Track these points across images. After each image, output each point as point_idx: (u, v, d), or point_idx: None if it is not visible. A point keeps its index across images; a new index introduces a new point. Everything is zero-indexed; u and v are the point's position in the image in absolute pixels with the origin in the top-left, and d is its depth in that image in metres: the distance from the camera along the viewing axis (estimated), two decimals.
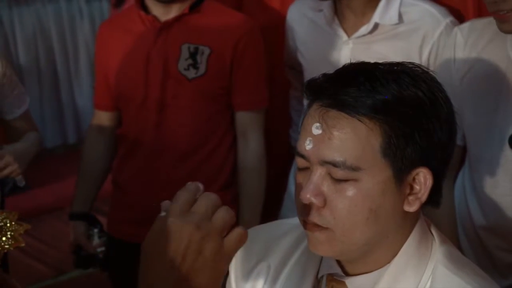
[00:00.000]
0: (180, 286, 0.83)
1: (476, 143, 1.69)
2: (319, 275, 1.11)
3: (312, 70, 1.03)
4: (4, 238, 1.34)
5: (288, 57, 2.20)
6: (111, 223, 2.22)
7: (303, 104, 2.28)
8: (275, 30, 2.24)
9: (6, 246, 1.33)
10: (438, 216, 1.70)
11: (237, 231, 0.86)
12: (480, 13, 1.93)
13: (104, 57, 2.12)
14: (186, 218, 0.84)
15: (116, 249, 2.18)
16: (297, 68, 2.19)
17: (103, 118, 2.19)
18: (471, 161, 1.73)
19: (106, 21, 2.29)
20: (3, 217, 1.40)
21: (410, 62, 1.05)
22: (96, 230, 2.18)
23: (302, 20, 2.08)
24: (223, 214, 0.86)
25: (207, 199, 0.86)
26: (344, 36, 1.95)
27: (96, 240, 2.17)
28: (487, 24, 1.67)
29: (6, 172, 1.87)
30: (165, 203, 0.89)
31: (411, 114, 0.99)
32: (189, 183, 0.89)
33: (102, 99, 2.18)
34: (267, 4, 2.35)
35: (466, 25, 1.73)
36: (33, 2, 5.18)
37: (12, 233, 1.42)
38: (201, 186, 0.88)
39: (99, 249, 2.17)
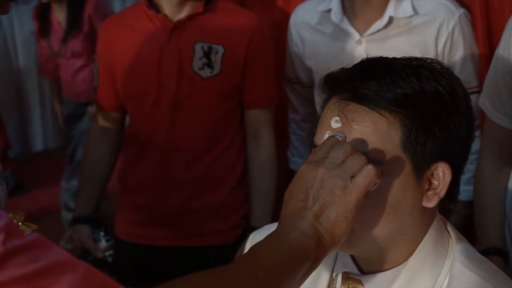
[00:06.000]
0: (312, 220, 0.92)
1: None
2: (334, 274, 1.10)
3: (325, 73, 1.03)
4: None
5: (292, 67, 2.15)
6: (119, 224, 2.18)
7: (303, 129, 2.25)
8: (277, 29, 2.22)
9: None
10: (488, 202, 1.69)
11: (365, 167, 0.93)
12: (487, 6, 1.94)
13: (109, 56, 2.08)
14: (318, 163, 0.94)
15: (124, 251, 2.15)
16: (303, 81, 2.16)
17: (107, 118, 2.15)
18: None
19: (109, 19, 2.21)
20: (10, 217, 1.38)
21: (428, 58, 1.04)
22: (101, 233, 2.12)
23: (306, 27, 2.06)
24: (352, 158, 0.94)
25: (339, 148, 0.95)
26: (356, 35, 1.94)
27: (103, 243, 2.11)
28: None
29: None
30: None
31: (431, 108, 0.98)
32: (328, 136, 0.98)
33: (106, 99, 2.14)
34: (269, 2, 2.33)
35: None
36: (32, 3, 5.14)
37: None
38: (339, 138, 0.97)
39: (107, 253, 2.12)
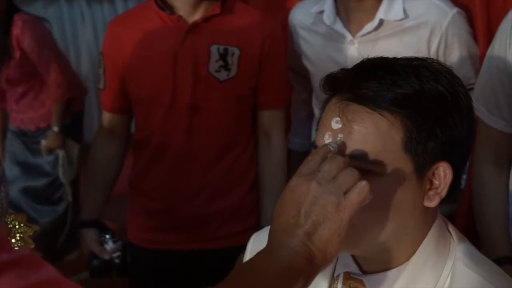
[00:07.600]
0: (304, 238, 0.90)
1: None
2: (335, 274, 1.10)
3: (320, 74, 1.03)
4: (13, 240, 1.32)
5: (293, 61, 2.18)
6: (132, 230, 2.15)
7: (304, 109, 2.28)
8: (282, 28, 2.22)
9: (16, 248, 1.30)
10: (490, 212, 1.68)
11: (359, 184, 0.91)
12: (488, 5, 1.93)
13: (118, 58, 2.02)
14: (309, 176, 0.92)
15: (138, 256, 2.12)
16: (302, 73, 2.18)
17: (115, 121, 2.12)
18: None
19: (116, 19, 2.15)
20: (11, 219, 1.38)
21: (428, 58, 1.04)
22: (108, 236, 2.10)
23: (303, 27, 2.09)
24: (345, 173, 0.91)
25: (332, 161, 0.92)
26: (348, 36, 1.96)
27: (110, 245, 2.09)
28: None
29: None
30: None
31: (432, 108, 0.98)
32: (320, 146, 0.96)
33: (114, 101, 2.09)
34: (273, 2, 2.34)
35: None
36: (33, 4, 5.11)
37: (21, 235, 1.39)
38: (331, 148, 0.95)
39: (115, 255, 2.09)
